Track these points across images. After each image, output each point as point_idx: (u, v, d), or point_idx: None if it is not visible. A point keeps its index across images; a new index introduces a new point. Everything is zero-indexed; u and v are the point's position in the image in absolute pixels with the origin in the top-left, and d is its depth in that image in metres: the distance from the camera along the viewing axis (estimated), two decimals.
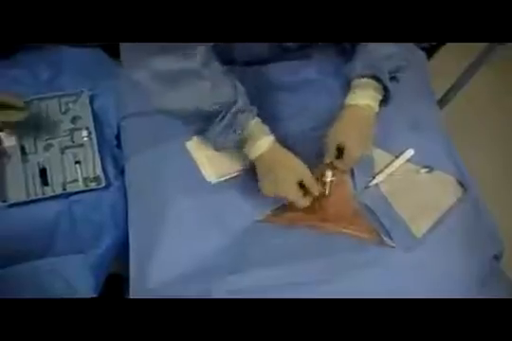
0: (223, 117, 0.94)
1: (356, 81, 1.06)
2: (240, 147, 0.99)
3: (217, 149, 1.01)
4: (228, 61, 1.01)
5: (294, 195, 0.97)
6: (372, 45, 1.03)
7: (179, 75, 0.91)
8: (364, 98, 1.04)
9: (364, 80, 1.04)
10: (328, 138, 1.02)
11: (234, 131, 0.95)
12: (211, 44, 0.93)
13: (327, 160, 1.03)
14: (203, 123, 0.96)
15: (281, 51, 1.16)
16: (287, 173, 0.97)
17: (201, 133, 0.99)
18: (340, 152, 1.02)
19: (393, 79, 1.04)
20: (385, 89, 1.04)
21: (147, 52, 0.88)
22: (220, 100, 0.93)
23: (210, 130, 0.96)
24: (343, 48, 1.18)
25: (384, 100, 1.06)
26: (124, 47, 0.93)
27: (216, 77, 0.94)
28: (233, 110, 0.94)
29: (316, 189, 0.99)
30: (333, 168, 1.04)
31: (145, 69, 0.90)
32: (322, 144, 1.04)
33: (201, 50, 0.90)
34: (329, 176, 1.04)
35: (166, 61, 0.89)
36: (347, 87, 1.08)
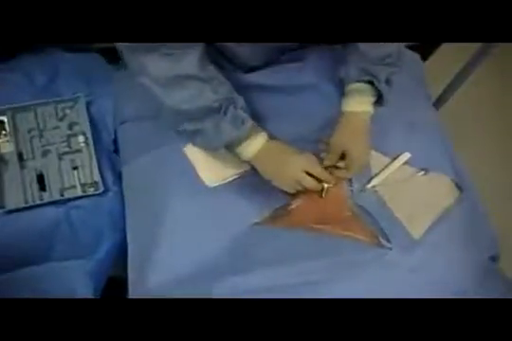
0: (225, 111, 0.95)
1: (351, 86, 1.06)
2: (238, 145, 1.00)
3: (219, 146, 1.00)
4: (221, 66, 1.02)
5: (309, 180, 0.99)
6: (363, 47, 1.03)
7: (179, 79, 0.93)
8: (361, 104, 1.05)
9: (360, 85, 1.05)
10: (332, 146, 1.04)
11: (243, 122, 0.97)
12: (204, 45, 0.94)
13: (327, 163, 1.04)
14: (206, 123, 0.97)
15: (275, 55, 1.16)
16: (294, 163, 0.99)
17: (204, 131, 0.98)
18: (342, 157, 1.04)
19: (387, 82, 1.04)
20: (380, 93, 1.05)
21: (148, 57, 0.90)
22: (221, 97, 0.95)
23: (221, 124, 0.96)
24: (336, 50, 1.19)
25: (379, 102, 1.07)
26: (126, 51, 0.94)
27: (214, 79, 0.96)
28: (234, 105, 0.96)
29: (323, 175, 1.01)
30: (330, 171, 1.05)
31: (147, 74, 0.92)
32: (319, 148, 1.06)
33: (195, 55, 0.92)
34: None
35: (165, 66, 0.91)
36: (342, 90, 1.09)
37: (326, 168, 1.04)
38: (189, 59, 0.91)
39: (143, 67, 0.91)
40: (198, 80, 0.93)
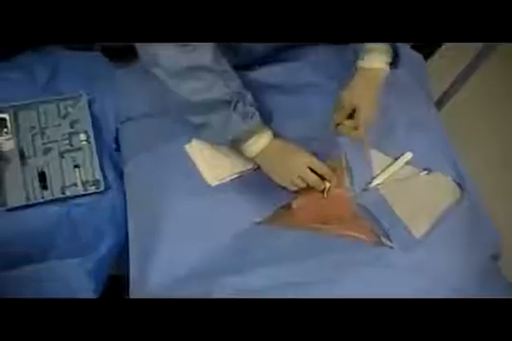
0: (235, 106, 0.96)
1: (369, 45, 1.05)
2: (244, 141, 1.00)
3: (226, 140, 1.01)
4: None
5: (313, 178, 1.00)
6: None
7: (192, 70, 0.93)
8: (378, 62, 1.05)
9: (379, 44, 1.04)
10: (342, 100, 1.04)
11: (251, 117, 0.98)
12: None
13: (338, 119, 1.05)
14: (215, 116, 0.98)
15: (273, 51, 1.17)
16: (298, 160, 1.00)
17: (212, 124, 0.99)
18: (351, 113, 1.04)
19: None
20: (396, 55, 1.05)
21: (161, 49, 0.91)
22: (231, 90, 0.96)
23: (230, 117, 0.97)
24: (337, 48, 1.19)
25: (393, 64, 1.07)
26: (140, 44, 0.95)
27: (226, 72, 0.97)
28: (244, 100, 0.98)
29: (326, 172, 1.02)
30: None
31: (160, 65, 0.93)
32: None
33: (209, 46, 0.93)
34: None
35: (178, 58, 0.91)
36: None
37: (336, 124, 1.05)
38: (203, 50, 0.92)
39: (156, 59, 0.92)
40: (211, 71, 0.94)
